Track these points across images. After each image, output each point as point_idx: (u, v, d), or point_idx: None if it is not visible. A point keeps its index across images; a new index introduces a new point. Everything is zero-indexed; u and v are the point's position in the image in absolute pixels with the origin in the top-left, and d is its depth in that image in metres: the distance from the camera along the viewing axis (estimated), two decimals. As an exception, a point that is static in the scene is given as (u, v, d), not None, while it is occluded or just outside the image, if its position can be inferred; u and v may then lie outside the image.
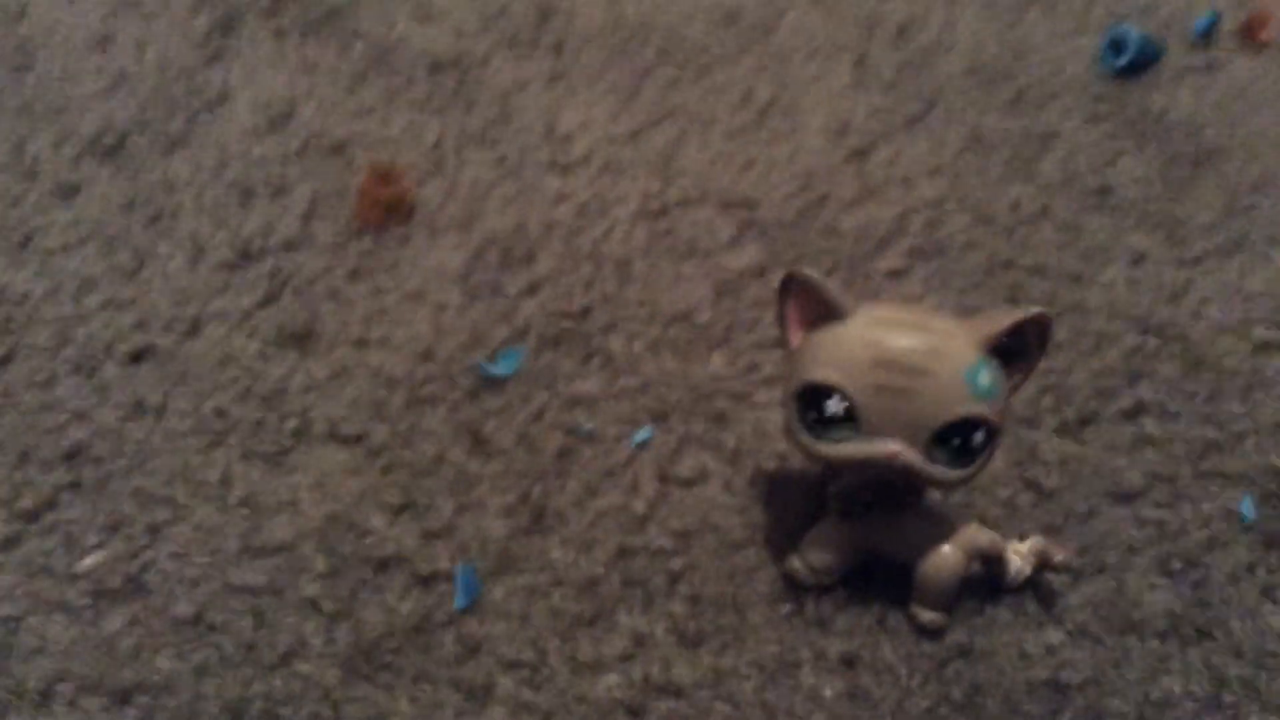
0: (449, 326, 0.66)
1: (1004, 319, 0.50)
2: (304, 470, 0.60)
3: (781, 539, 0.58)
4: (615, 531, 0.58)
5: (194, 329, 0.65)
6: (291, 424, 0.61)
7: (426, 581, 0.56)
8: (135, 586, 0.55)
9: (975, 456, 0.51)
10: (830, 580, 0.56)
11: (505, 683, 0.53)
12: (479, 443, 0.61)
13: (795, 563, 0.56)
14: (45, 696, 0.51)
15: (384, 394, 0.63)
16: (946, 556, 0.54)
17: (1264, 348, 0.67)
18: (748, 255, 0.71)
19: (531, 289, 0.68)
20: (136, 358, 0.63)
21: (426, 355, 0.65)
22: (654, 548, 0.58)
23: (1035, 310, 0.51)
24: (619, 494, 0.60)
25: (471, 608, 0.55)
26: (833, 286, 0.51)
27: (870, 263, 0.71)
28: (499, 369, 0.64)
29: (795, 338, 0.53)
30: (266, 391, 0.62)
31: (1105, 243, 0.73)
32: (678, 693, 0.53)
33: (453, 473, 0.60)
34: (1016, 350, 0.51)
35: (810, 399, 0.51)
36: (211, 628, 0.54)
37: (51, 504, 0.57)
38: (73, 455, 0.59)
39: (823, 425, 0.51)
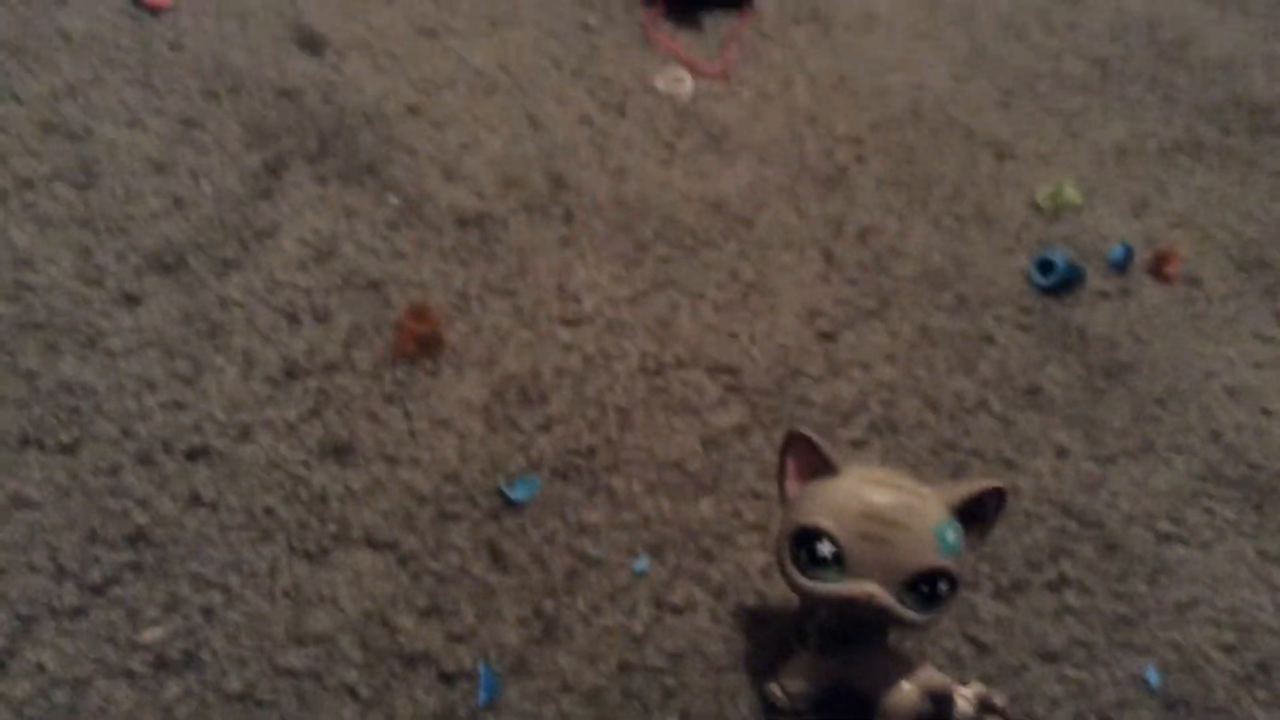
0: (472, 453, 0.74)
1: (969, 487, 0.61)
2: (342, 569, 0.66)
3: (762, 665, 0.66)
4: (617, 647, 0.66)
5: (245, 434, 0.72)
6: (332, 527, 0.68)
7: (450, 679, 0.63)
8: (191, 661, 0.61)
9: (939, 603, 0.60)
10: (804, 707, 0.65)
11: (521, 774, 0.60)
12: (498, 558, 0.69)
13: (774, 689, 0.65)
14: (109, 755, 0.56)
15: (414, 508, 0.70)
16: (907, 693, 0.63)
17: (1166, 538, 0.78)
18: (732, 415, 0.81)
19: (545, 426, 0.77)
20: (194, 455, 0.70)
21: (452, 477, 0.72)
22: (650, 665, 0.66)
23: (995, 483, 0.61)
24: (620, 615, 0.68)
25: (491, 705, 0.62)
26: (828, 446, 0.61)
27: (835, 432, 0.81)
28: (517, 494, 0.72)
29: (793, 487, 0.62)
30: (309, 496, 0.69)
31: (1034, 436, 0.84)
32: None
33: (474, 583, 0.67)
34: (975, 515, 0.61)
35: (803, 541, 0.60)
36: (259, 704, 0.60)
37: (116, 580, 0.63)
38: (135, 538, 0.65)
39: (812, 565, 0.59)
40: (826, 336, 0.89)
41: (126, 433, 0.70)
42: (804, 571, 0.60)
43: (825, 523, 0.59)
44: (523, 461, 0.74)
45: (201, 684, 0.60)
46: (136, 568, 0.64)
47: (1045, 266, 0.97)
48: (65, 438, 0.69)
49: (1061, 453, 0.83)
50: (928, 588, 0.59)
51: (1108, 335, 0.93)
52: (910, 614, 0.60)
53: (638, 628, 0.67)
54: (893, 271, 0.96)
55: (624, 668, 0.65)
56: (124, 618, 0.62)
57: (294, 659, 0.62)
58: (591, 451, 0.76)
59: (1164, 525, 0.79)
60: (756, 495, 0.76)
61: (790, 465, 0.63)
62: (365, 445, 0.73)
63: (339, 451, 0.72)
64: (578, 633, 0.66)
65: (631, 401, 0.80)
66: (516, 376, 0.79)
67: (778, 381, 0.84)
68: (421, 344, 0.79)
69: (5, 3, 0.95)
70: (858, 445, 0.81)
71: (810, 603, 0.63)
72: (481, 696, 0.62)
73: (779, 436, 0.80)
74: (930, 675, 0.64)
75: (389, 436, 0.74)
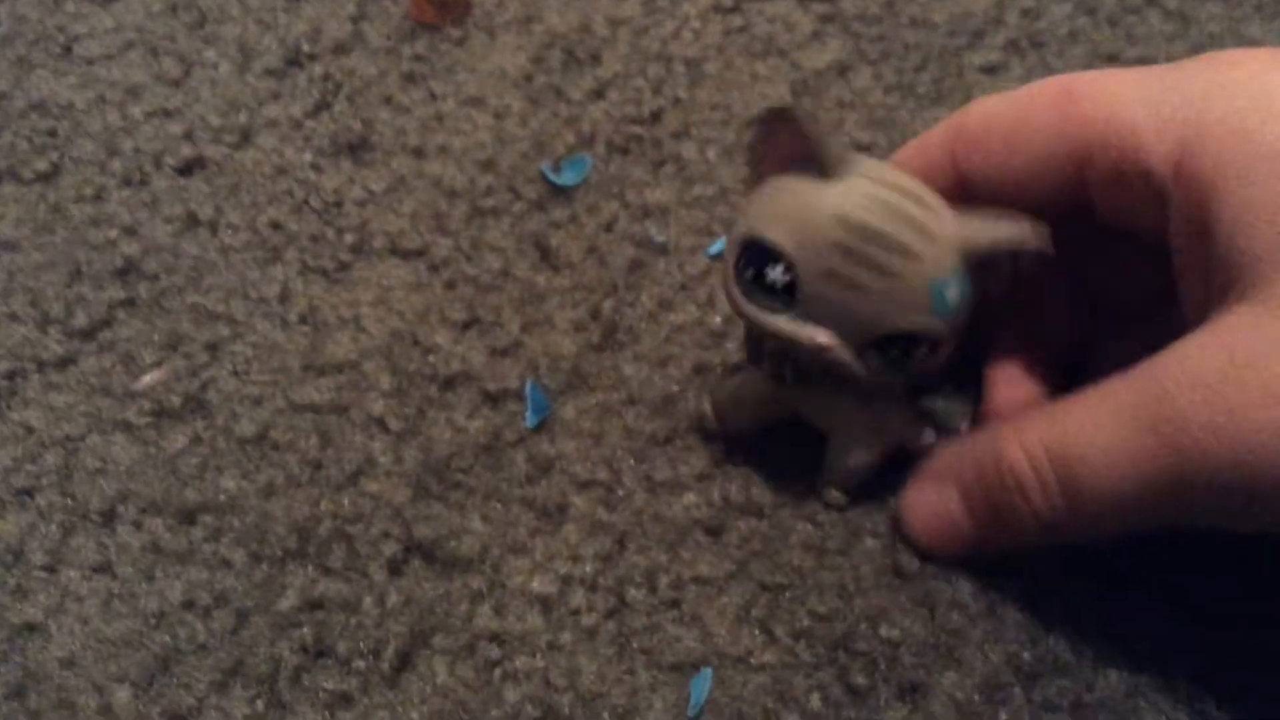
0: (511, 134, 0.62)
1: (1001, 232, 0.43)
2: (365, 286, 0.57)
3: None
4: (691, 347, 0.55)
5: (244, 139, 0.61)
6: (350, 238, 0.58)
7: (495, 400, 0.54)
8: (196, 405, 0.53)
9: (911, 366, 0.44)
10: (737, 432, 0.52)
11: (579, 502, 0.51)
12: (546, 256, 0.58)
13: (705, 407, 0.52)
14: (108, 517, 0.50)
15: (444, 206, 0.60)
16: (857, 457, 0.49)
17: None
18: (829, 52, 0.65)
19: (597, 92, 0.64)
20: (186, 169, 0.60)
21: (488, 165, 0.61)
22: (732, 364, 0.55)
23: (1034, 244, 0.43)
24: (694, 308, 0.57)
25: (542, 426, 0.53)
26: (830, 137, 0.43)
27: (963, 57, 0.66)
28: (565, 178, 0.60)
29: (761, 176, 0.45)
30: (322, 204, 0.59)
31: (1218, 33, 0.67)
32: (758, 512, 0.51)
33: (519, 287, 0.57)
34: (995, 266, 0.44)
35: (752, 257, 0.43)
36: (276, 446, 0.52)
37: (106, 322, 0.56)
38: (126, 271, 0.57)
39: (758, 289, 0.43)
40: (951, -61, 0.71)
41: (111, 151, 0.61)
42: (746, 293, 0.44)
43: (783, 240, 0.42)
44: (572, 139, 0.62)
45: (209, 429, 0.53)
46: (129, 305, 0.56)
47: None
48: (43, 165, 0.60)
49: (1254, 43, 0.66)
50: (899, 351, 0.43)
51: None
52: (867, 374, 0.44)
53: (716, 321, 0.56)
54: None
55: (700, 369, 0.55)
56: (118, 363, 0.54)
57: (313, 392, 0.54)
58: (655, 117, 0.63)
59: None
60: (861, 147, 0.62)
61: (768, 151, 0.44)
62: (384, 137, 0.62)
63: (354, 148, 0.61)
64: (643, 334, 0.56)
65: (703, 49, 0.66)
66: (561, 35, 0.66)
67: (886, 2, 0.68)
68: (442, 6, 0.66)
69: None
70: (992, 70, 0.65)
71: (751, 328, 0.47)
72: (530, 418, 0.53)
73: (889, 70, 0.65)
74: (903, 426, 0.50)
75: (411, 124, 0.62)
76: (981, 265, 0.43)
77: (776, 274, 0.42)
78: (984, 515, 0.46)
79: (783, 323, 0.43)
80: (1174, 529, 0.41)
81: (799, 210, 0.42)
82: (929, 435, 0.50)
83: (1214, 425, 0.36)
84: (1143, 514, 0.41)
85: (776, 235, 0.42)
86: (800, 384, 0.48)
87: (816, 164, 0.42)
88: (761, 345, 0.48)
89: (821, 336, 0.43)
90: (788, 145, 0.43)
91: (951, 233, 0.42)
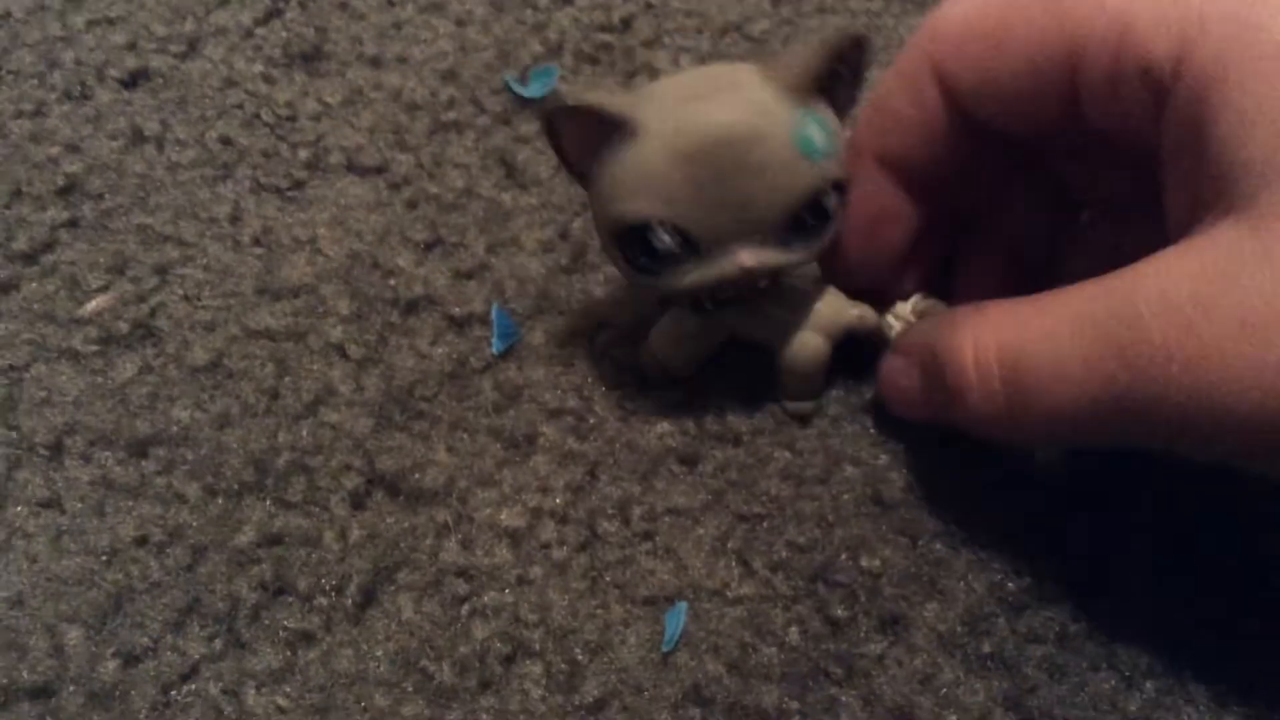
0: (474, 43, 0.59)
1: (812, 53, 0.40)
2: (321, 205, 0.54)
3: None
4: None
5: (191, 48, 0.58)
6: (304, 154, 0.55)
7: (460, 325, 0.52)
8: (145, 332, 0.51)
9: (829, 219, 0.43)
10: (686, 371, 0.50)
11: (548, 432, 0.49)
12: (512, 173, 0.56)
13: (645, 356, 0.50)
14: (55, 450, 0.48)
15: (404, 119, 0.57)
16: (810, 345, 0.47)
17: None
18: (810, -45, 0.63)
19: (565, -2, 0.61)
20: (131, 82, 0.57)
21: (450, 75, 0.58)
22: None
23: (850, 35, 0.41)
24: (668, 225, 0.54)
25: (509, 352, 0.51)
26: (612, 98, 0.41)
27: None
28: (531, 90, 0.57)
29: (588, 166, 0.43)
30: (274, 118, 0.56)
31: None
32: (734, 440, 0.49)
33: (484, 206, 0.55)
34: (833, 79, 0.42)
35: (633, 240, 0.42)
36: (230, 375, 0.50)
37: (49, 245, 0.53)
38: (68, 191, 0.54)
39: (658, 260, 0.42)
40: None
41: (50, 62, 0.58)
42: (650, 272, 0.43)
43: (650, 206, 0.41)
44: (539, 47, 0.59)
45: (160, 357, 0.50)
46: (72, 226, 0.53)
47: None
48: (-23, 77, 0.57)
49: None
50: (812, 213, 0.42)
51: None
52: (801, 254, 0.43)
53: (690, 241, 0.53)
54: None
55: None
56: (62, 288, 0.52)
57: (268, 318, 0.51)
58: (626, 23, 0.60)
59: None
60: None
61: (570, 146, 0.43)
62: (339, 46, 0.59)
63: (307, 58, 0.58)
64: (614, 253, 0.53)
65: (678, -49, 0.63)
66: (527, -65, 0.63)
67: (870, -98, 0.65)
68: (401, -93, 0.62)
69: None
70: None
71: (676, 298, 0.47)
72: (496, 343, 0.51)
73: (871, -24, 0.62)
74: (840, 311, 0.47)
75: (368, 31, 0.59)
76: (825, 81, 0.41)
77: (666, 241, 0.41)
78: (932, 397, 0.44)
79: (699, 275, 0.42)
80: (1121, 448, 0.39)
81: (641, 169, 0.40)
82: (868, 313, 0.48)
83: (1182, 354, 0.33)
84: (1089, 432, 0.38)
85: (639, 208, 0.41)
86: (725, 306, 0.47)
87: (621, 130, 0.40)
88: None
89: (742, 257, 0.42)
90: (580, 129, 0.41)
91: (773, 83, 0.40)
